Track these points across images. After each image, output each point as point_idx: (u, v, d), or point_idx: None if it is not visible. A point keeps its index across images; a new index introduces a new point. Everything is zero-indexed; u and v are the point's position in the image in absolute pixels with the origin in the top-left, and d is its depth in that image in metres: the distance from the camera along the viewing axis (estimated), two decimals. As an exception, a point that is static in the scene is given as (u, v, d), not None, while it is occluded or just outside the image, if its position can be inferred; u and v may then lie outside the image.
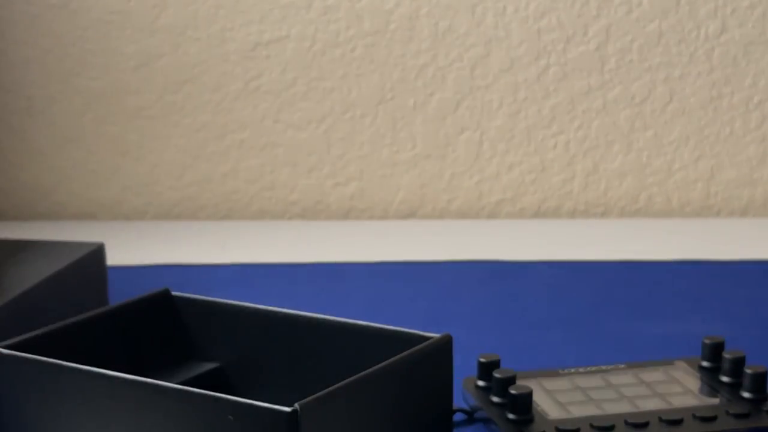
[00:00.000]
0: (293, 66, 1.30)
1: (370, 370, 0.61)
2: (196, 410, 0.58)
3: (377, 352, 0.68)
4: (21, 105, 1.31)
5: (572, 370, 0.80)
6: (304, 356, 0.71)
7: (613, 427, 0.72)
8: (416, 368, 0.64)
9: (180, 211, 1.33)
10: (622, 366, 0.81)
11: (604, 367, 0.81)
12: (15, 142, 1.32)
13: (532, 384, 0.78)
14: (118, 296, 0.98)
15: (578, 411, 0.74)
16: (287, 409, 0.56)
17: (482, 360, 0.78)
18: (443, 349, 0.66)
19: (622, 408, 0.74)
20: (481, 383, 0.78)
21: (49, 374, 0.63)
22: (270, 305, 0.73)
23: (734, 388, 0.77)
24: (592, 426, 0.72)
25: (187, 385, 0.61)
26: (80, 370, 0.62)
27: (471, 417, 0.77)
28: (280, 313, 0.72)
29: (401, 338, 0.67)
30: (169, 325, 0.76)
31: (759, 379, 0.75)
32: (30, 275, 0.84)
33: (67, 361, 0.64)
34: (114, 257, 1.12)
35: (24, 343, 0.67)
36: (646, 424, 0.72)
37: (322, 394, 0.58)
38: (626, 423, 0.72)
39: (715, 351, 0.80)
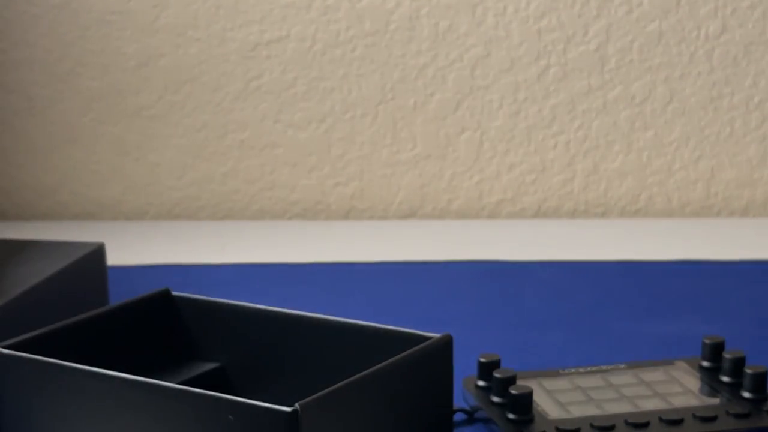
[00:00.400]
0: (293, 66, 1.30)
1: (370, 370, 0.61)
2: (196, 410, 0.58)
3: (377, 352, 0.68)
4: (22, 105, 1.31)
5: (572, 370, 0.80)
6: (304, 356, 0.71)
7: (613, 427, 0.72)
8: (416, 368, 0.64)
9: (180, 211, 1.33)
10: (622, 366, 0.81)
11: (604, 367, 0.81)
12: (16, 142, 1.32)
13: (533, 384, 0.78)
14: (118, 296, 0.98)
15: (578, 411, 0.74)
16: (287, 409, 0.56)
17: (482, 360, 0.78)
18: (443, 349, 0.66)
19: (623, 408, 0.74)
20: (481, 383, 0.78)
21: (49, 374, 0.63)
22: (270, 305, 0.73)
23: (734, 388, 0.77)
24: (592, 426, 0.72)
25: (187, 385, 0.61)
26: (80, 370, 0.62)
27: (471, 417, 0.77)
28: (280, 313, 0.72)
29: (401, 338, 0.67)
30: (169, 325, 0.76)
31: (759, 379, 0.75)
32: (30, 275, 0.84)
33: (67, 361, 0.64)
34: (114, 257, 1.12)
35: (24, 343, 0.67)
36: (646, 424, 0.72)
37: (322, 394, 0.58)
38: (626, 423, 0.72)
39: (715, 351, 0.80)
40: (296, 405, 0.56)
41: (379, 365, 0.62)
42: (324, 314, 0.71)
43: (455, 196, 1.33)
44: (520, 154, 1.32)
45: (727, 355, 0.78)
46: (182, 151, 1.32)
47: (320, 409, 0.57)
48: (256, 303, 0.74)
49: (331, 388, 0.58)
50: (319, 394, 0.57)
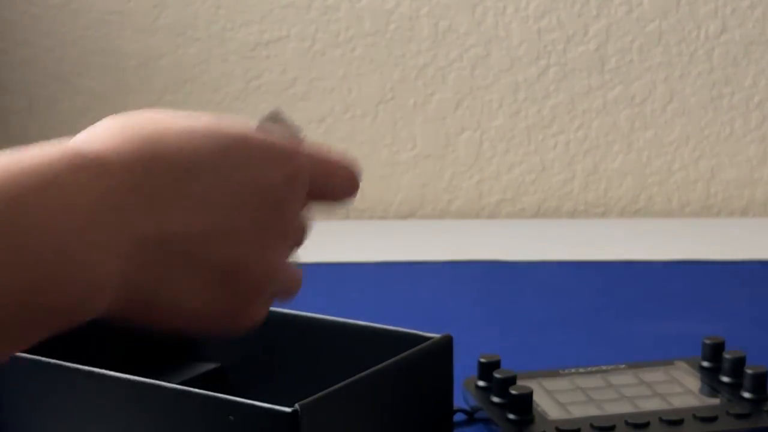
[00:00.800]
0: (293, 66, 1.30)
1: (370, 370, 0.61)
2: (196, 410, 0.58)
3: (377, 352, 0.68)
4: (22, 105, 1.31)
5: (572, 370, 0.80)
6: (304, 356, 0.71)
7: (613, 427, 0.72)
8: (416, 368, 0.64)
9: (180, 211, 1.33)
10: (623, 366, 0.81)
11: (604, 367, 0.81)
12: (15, 142, 1.32)
13: (533, 384, 0.78)
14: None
15: (578, 411, 0.74)
16: (287, 409, 0.56)
17: (483, 360, 0.78)
18: (443, 349, 0.66)
19: (623, 408, 0.74)
20: (481, 383, 0.78)
21: (48, 374, 0.63)
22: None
23: (734, 388, 0.77)
24: (592, 426, 0.72)
25: (187, 385, 0.61)
26: (80, 371, 0.62)
27: (471, 417, 0.77)
28: (279, 313, 0.72)
29: (401, 338, 0.67)
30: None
31: (759, 379, 0.75)
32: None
33: (67, 361, 0.64)
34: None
35: None
36: (646, 425, 0.72)
37: (323, 394, 0.58)
38: (627, 423, 0.72)
39: (715, 351, 0.80)
40: (296, 405, 0.56)
41: (380, 365, 0.62)
42: (324, 314, 0.71)
43: (455, 196, 1.33)
44: (520, 154, 1.32)
45: (727, 355, 0.78)
46: (182, 151, 1.32)
47: (320, 409, 0.57)
48: (256, 303, 0.74)
49: (331, 389, 0.58)
50: (319, 394, 0.57)
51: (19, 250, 0.39)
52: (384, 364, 0.62)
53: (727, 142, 1.32)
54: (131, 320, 0.46)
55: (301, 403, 0.56)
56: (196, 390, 0.59)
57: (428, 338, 0.66)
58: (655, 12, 1.29)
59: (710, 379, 0.79)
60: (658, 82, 1.31)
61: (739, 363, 0.78)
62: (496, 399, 0.75)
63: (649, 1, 1.29)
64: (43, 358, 0.64)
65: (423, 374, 0.65)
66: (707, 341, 0.80)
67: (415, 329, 0.68)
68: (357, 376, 0.60)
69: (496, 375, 0.75)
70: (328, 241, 1.22)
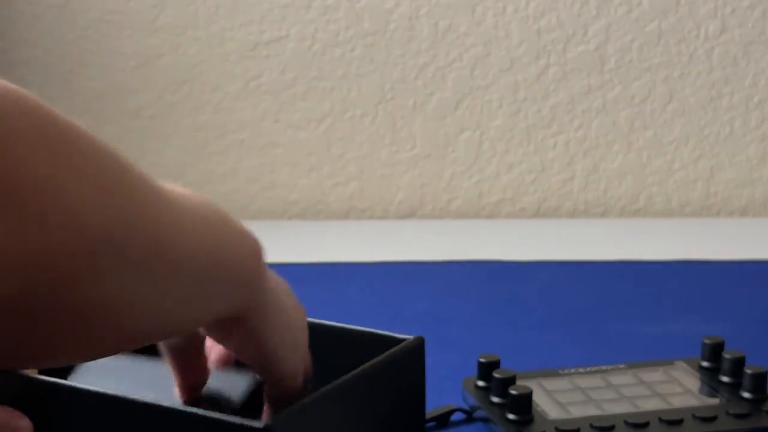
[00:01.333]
0: (293, 66, 1.30)
1: (341, 379, 0.60)
2: (167, 426, 0.57)
3: (351, 353, 0.67)
4: (21, 105, 1.31)
5: (572, 370, 0.80)
6: None
7: (613, 427, 0.72)
8: (389, 372, 0.63)
9: (180, 211, 1.33)
10: (622, 366, 0.81)
11: (604, 367, 0.81)
12: (15, 142, 1.32)
13: (532, 384, 0.78)
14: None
15: (578, 411, 0.74)
16: (259, 424, 0.54)
17: (482, 360, 0.78)
18: (415, 351, 0.65)
19: (622, 408, 0.74)
20: (481, 383, 0.78)
21: (24, 387, 0.62)
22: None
23: (734, 388, 0.77)
24: (592, 426, 0.72)
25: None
26: (50, 384, 0.61)
27: (470, 417, 0.77)
28: None
29: (374, 340, 0.67)
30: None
31: (759, 379, 0.75)
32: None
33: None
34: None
35: None
36: (646, 425, 0.72)
37: (294, 408, 0.56)
38: (626, 423, 0.72)
39: (715, 351, 0.80)
40: (268, 420, 0.55)
41: (352, 373, 0.61)
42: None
43: (455, 196, 1.33)
44: (519, 154, 1.32)
45: (726, 355, 0.78)
46: (181, 151, 1.32)
47: (293, 422, 0.56)
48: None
49: (302, 401, 0.57)
50: (291, 407, 0.56)
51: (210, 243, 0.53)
52: (356, 372, 0.61)
53: (727, 142, 1.32)
54: (255, 331, 0.57)
55: (273, 416, 0.55)
56: (166, 405, 0.57)
57: (401, 340, 0.65)
58: (655, 12, 1.29)
59: (710, 379, 0.79)
60: (657, 82, 1.31)
61: (738, 363, 0.78)
62: (495, 399, 0.75)
63: (648, 1, 1.29)
64: (23, 374, 0.63)
65: (395, 377, 0.64)
66: (707, 341, 0.81)
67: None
68: (328, 387, 0.59)
69: (496, 375, 0.75)
70: (328, 241, 1.22)
